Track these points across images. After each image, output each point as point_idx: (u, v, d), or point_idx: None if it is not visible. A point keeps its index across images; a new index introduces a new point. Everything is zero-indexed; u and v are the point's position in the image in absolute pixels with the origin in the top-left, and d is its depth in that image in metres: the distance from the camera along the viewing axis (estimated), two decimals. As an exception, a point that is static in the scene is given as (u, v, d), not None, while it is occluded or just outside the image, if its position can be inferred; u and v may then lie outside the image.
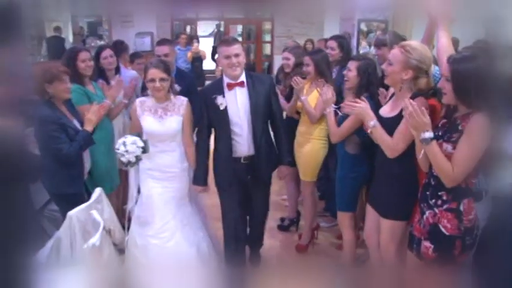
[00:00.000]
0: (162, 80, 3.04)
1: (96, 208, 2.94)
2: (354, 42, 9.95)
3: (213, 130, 3.28)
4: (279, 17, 11.18)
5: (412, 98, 2.42)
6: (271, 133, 3.35)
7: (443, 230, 2.28)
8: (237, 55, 3.03)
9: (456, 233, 2.26)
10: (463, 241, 2.27)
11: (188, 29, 12.57)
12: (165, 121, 3.14)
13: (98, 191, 3.05)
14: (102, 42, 11.08)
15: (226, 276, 3.32)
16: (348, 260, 3.46)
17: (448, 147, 2.22)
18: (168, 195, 3.22)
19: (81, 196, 3.15)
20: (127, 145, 2.97)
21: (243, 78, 3.13)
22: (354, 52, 8.20)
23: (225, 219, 3.41)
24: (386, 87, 2.96)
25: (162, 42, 4.11)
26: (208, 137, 3.29)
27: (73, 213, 2.81)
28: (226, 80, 3.13)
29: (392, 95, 2.76)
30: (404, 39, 3.22)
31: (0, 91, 2.52)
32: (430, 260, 2.34)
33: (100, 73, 3.94)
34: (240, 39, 13.02)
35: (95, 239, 2.51)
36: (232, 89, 3.11)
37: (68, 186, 3.13)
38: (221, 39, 3.37)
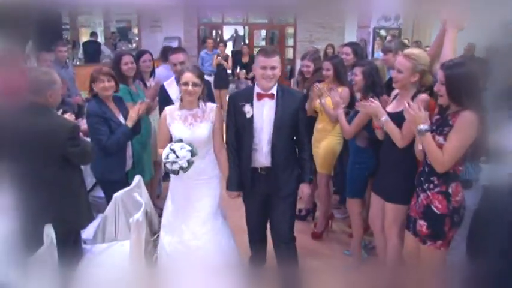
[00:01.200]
0: (194, 84, 3.08)
1: (136, 192, 3.39)
2: (369, 48, 10.39)
3: None
4: (301, 22, 11.57)
5: (416, 94, 2.88)
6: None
7: (435, 209, 2.66)
8: (273, 67, 3.00)
9: (446, 212, 2.64)
10: (451, 219, 2.65)
11: (214, 33, 13.02)
12: (195, 128, 3.16)
13: (137, 178, 3.48)
14: (132, 46, 11.65)
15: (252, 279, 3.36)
16: (356, 243, 3.85)
17: (440, 139, 2.60)
18: (199, 203, 3.24)
19: (122, 183, 3.57)
20: (176, 151, 2.95)
21: (274, 90, 3.09)
22: (370, 57, 8.54)
23: (248, 227, 3.45)
24: (389, 90, 3.36)
25: (176, 50, 4.23)
26: (238, 140, 3.24)
27: (118, 195, 3.27)
28: (257, 90, 3.12)
29: (397, 94, 3.16)
30: (408, 47, 3.61)
31: (61, 90, 3.01)
32: (424, 236, 2.71)
33: (138, 75, 4.39)
34: (263, 43, 13.45)
35: (139, 215, 2.92)
36: (262, 99, 3.09)
37: (112, 173, 3.57)
38: (261, 48, 3.26)
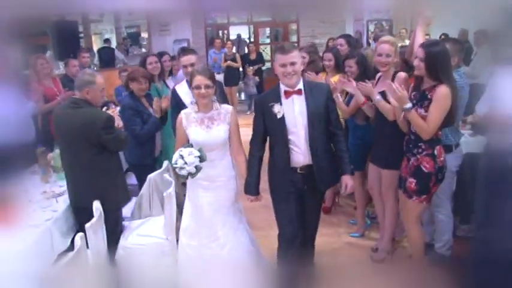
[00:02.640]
0: (207, 86, 3.08)
1: (167, 173, 3.90)
2: (364, 39, 11.08)
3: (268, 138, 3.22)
4: (303, 18, 12.04)
5: (395, 73, 3.45)
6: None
7: (424, 169, 3.15)
8: (292, 63, 2.95)
9: (432, 170, 3.14)
10: (436, 176, 3.16)
11: (220, 33, 13.52)
12: (212, 130, 3.15)
13: (166, 163, 3.99)
14: (143, 50, 12.18)
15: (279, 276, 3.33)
16: (359, 212, 4.36)
17: (421, 111, 3.09)
18: (218, 204, 3.23)
19: (153, 167, 4.11)
20: (185, 157, 2.96)
21: (300, 86, 3.05)
22: (365, 46, 9.07)
23: (282, 231, 3.24)
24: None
25: (186, 51, 4.22)
26: (263, 145, 3.20)
27: (152, 176, 3.79)
28: (283, 88, 3.05)
29: (380, 76, 3.69)
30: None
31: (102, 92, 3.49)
32: (411, 191, 3.21)
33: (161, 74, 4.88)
34: (267, 40, 13.93)
35: (171, 190, 3.43)
36: (290, 96, 3.03)
37: (144, 158, 4.13)
38: (278, 46, 3.20)
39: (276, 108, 3.02)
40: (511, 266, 2.53)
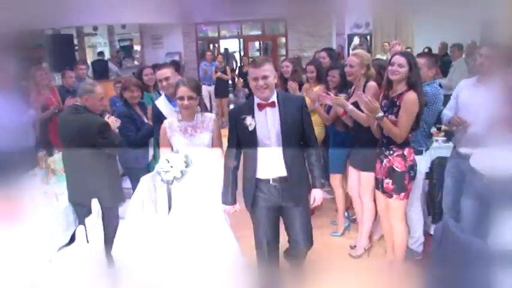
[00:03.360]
0: (190, 98, 3.16)
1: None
2: (345, 52, 11.60)
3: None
4: (291, 32, 12.46)
5: (366, 83, 3.78)
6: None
7: (396, 169, 3.45)
8: (265, 77, 2.94)
9: (404, 169, 3.44)
10: (409, 174, 3.46)
11: (211, 47, 13.86)
12: (194, 138, 3.24)
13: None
14: (136, 63, 12.49)
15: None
16: (340, 213, 4.66)
17: (392, 117, 3.40)
18: (203, 209, 3.30)
19: (145, 171, 4.37)
20: (170, 161, 3.04)
21: (274, 98, 3.04)
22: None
23: (256, 242, 3.28)
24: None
25: (161, 66, 4.33)
26: (238, 156, 3.18)
27: (145, 177, 4.04)
28: (257, 101, 3.06)
29: (354, 88, 4.03)
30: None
31: (100, 101, 3.76)
32: (390, 191, 3.50)
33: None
34: (257, 54, 14.30)
35: (164, 188, 3.70)
36: (263, 109, 3.03)
37: (138, 163, 4.40)
38: (252, 60, 3.19)
39: (248, 120, 3.02)
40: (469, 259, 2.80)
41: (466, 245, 2.62)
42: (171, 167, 3.03)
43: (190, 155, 3.12)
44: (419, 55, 3.97)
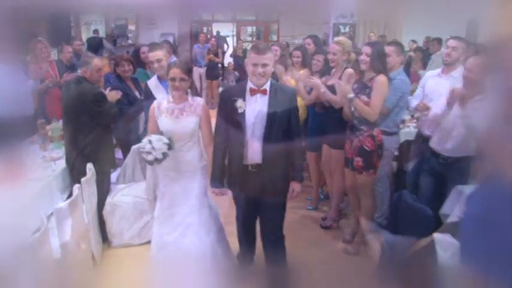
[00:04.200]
0: (182, 80, 3.17)
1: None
2: (330, 40, 11.86)
3: None
4: (284, 19, 12.76)
5: (344, 70, 4.08)
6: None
7: (366, 148, 3.78)
8: (264, 65, 2.97)
9: (373, 148, 3.77)
10: (377, 153, 3.80)
11: (205, 29, 14.10)
12: (180, 121, 3.20)
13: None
14: (130, 42, 12.72)
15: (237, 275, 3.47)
16: (314, 189, 5.06)
17: (364, 97, 3.73)
18: (187, 193, 3.29)
19: (136, 143, 4.70)
20: (153, 142, 3.01)
21: (267, 86, 3.07)
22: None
23: (237, 225, 3.42)
24: None
25: (153, 48, 4.32)
26: (227, 137, 3.18)
27: (135, 147, 4.39)
28: (250, 85, 3.08)
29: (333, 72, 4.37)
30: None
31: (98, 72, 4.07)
32: (360, 168, 3.84)
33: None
34: (249, 38, 14.58)
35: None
36: (255, 94, 3.06)
37: (129, 134, 4.73)
38: (253, 45, 3.14)
39: (239, 103, 3.04)
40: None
41: (415, 210, 3.04)
42: (153, 148, 3.01)
43: (174, 138, 3.13)
44: (389, 43, 4.35)
